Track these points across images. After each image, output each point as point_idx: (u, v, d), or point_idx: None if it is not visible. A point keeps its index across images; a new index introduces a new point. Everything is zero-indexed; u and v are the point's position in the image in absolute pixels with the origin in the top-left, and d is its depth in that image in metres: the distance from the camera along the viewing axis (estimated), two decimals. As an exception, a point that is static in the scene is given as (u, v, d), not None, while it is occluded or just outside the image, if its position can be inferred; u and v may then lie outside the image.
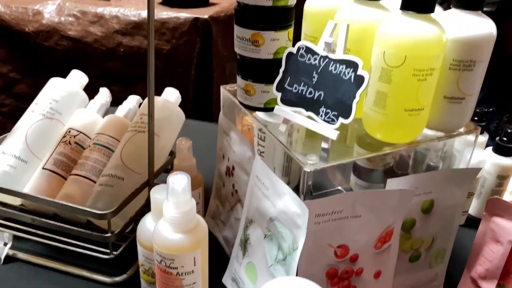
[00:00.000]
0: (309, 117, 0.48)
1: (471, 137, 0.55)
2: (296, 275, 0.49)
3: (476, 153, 0.71)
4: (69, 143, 0.67)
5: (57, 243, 0.60)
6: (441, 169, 0.57)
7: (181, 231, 0.43)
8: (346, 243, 0.49)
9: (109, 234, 0.56)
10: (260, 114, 0.59)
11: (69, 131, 0.68)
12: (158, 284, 0.46)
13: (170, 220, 0.43)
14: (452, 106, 0.49)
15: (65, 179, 0.65)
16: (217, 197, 0.69)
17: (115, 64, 1.40)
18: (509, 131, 0.70)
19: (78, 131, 0.69)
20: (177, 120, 0.70)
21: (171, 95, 0.72)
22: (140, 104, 0.74)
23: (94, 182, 0.63)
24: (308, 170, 0.45)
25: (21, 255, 0.62)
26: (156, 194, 0.49)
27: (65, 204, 0.57)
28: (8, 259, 0.62)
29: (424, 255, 0.57)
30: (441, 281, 0.61)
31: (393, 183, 0.49)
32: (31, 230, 0.62)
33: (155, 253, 0.44)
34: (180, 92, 0.73)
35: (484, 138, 0.77)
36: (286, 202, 0.48)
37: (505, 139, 0.70)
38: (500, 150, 0.71)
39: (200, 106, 1.38)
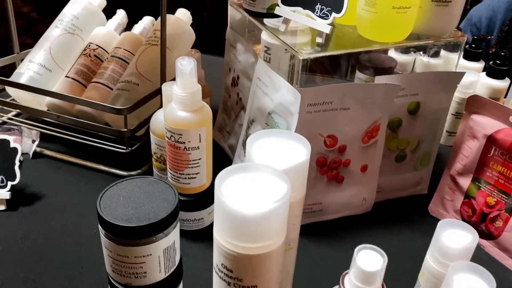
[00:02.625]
0: (307, 15, 0.53)
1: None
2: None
3: (470, 75, 0.75)
4: (89, 55, 0.73)
5: (79, 139, 0.67)
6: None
7: (188, 110, 0.49)
8: (335, 134, 0.54)
9: (125, 129, 0.63)
10: (264, 37, 0.63)
11: (89, 45, 0.74)
12: (168, 160, 0.53)
13: (178, 100, 0.49)
14: (439, 10, 0.53)
15: (85, 87, 0.72)
16: (224, 111, 0.75)
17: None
18: (502, 54, 0.73)
19: (97, 45, 0.74)
20: (188, 38, 0.75)
21: (183, 15, 0.77)
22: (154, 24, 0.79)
23: (111, 89, 0.70)
24: (301, 58, 0.50)
25: (47, 151, 0.69)
26: (167, 86, 0.55)
27: (87, 101, 0.63)
28: (36, 155, 0.69)
29: (410, 157, 0.62)
30: (426, 186, 0.66)
31: (381, 80, 0.53)
32: (56, 129, 0.69)
33: (166, 131, 0.51)
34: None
35: (480, 64, 0.80)
36: (282, 94, 0.53)
37: (498, 62, 0.74)
38: (492, 73, 0.74)
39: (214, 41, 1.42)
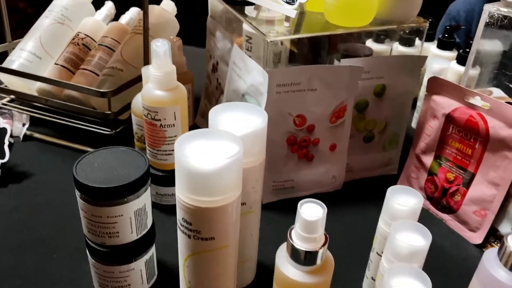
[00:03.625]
0: (275, 1, 0.57)
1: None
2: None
3: (440, 62, 0.79)
4: (78, 44, 0.77)
5: (66, 122, 0.70)
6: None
7: (163, 89, 0.52)
8: (304, 114, 0.58)
9: (109, 112, 0.67)
10: (246, 27, 0.66)
11: (78, 35, 0.78)
12: (146, 138, 0.56)
13: (154, 79, 0.52)
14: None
15: (74, 73, 0.75)
16: (206, 97, 0.79)
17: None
18: (470, 42, 0.76)
19: (85, 34, 0.78)
20: (172, 27, 0.79)
21: (168, 5, 0.81)
22: (141, 15, 0.83)
23: (98, 75, 0.73)
24: (268, 40, 0.53)
25: (36, 134, 0.73)
26: (145, 69, 0.58)
27: (73, 84, 0.67)
28: (26, 138, 0.73)
29: (378, 137, 0.66)
30: (396, 166, 0.69)
31: (346, 63, 0.57)
32: (45, 113, 0.73)
33: (143, 109, 0.54)
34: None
35: (453, 53, 0.84)
36: (253, 76, 0.57)
37: (467, 50, 0.77)
38: (462, 60, 0.78)
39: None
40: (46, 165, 0.68)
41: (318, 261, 0.35)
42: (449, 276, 0.52)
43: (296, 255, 0.35)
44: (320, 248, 0.35)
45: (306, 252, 0.35)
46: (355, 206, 0.64)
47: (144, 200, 0.43)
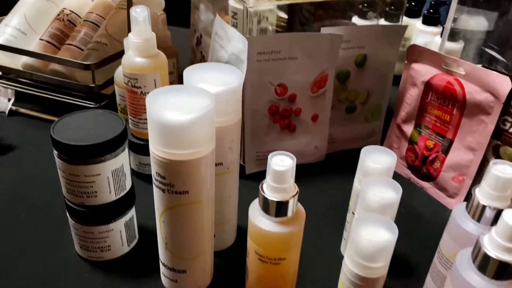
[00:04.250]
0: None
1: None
2: (243, 109, 0.59)
3: (425, 37, 0.79)
4: (63, 20, 0.77)
5: (51, 96, 0.71)
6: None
7: (142, 56, 0.53)
8: (285, 83, 0.58)
9: (94, 85, 0.67)
10: (231, 2, 0.66)
11: (63, 11, 0.78)
12: (128, 107, 0.57)
13: (133, 46, 0.52)
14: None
15: (59, 49, 0.75)
16: (192, 73, 0.79)
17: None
18: (455, 16, 0.77)
19: (71, 11, 0.78)
20: (157, 4, 0.79)
21: (153, -18, 0.81)
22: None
23: (83, 50, 0.74)
24: (248, 7, 0.54)
25: (22, 109, 0.73)
26: (126, 40, 0.58)
27: (57, 57, 0.67)
28: (12, 112, 0.73)
29: (360, 108, 0.66)
30: (379, 138, 0.70)
31: (326, 31, 0.57)
32: (30, 88, 0.73)
33: (124, 77, 0.55)
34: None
35: (438, 29, 0.84)
36: (234, 44, 0.57)
37: (452, 24, 0.77)
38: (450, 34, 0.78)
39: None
40: (31, 139, 0.68)
41: (289, 212, 0.36)
42: (427, 238, 0.53)
43: (267, 206, 0.36)
44: (291, 198, 0.35)
45: (277, 202, 0.35)
46: (337, 177, 0.64)
47: (122, 160, 0.43)
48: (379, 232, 0.34)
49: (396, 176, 0.65)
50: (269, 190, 0.36)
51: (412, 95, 0.60)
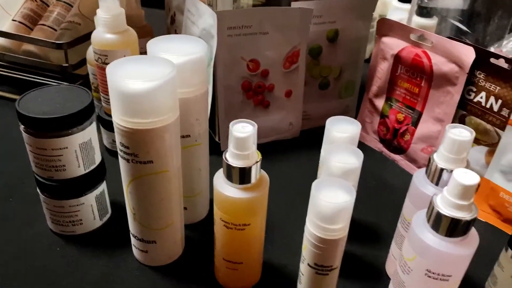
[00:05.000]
0: None
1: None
2: (214, 85, 0.59)
3: (399, 13, 0.80)
4: (35, 0, 0.76)
5: (25, 77, 0.70)
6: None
7: (112, 32, 0.52)
8: (257, 58, 0.59)
9: (67, 64, 0.67)
10: None
11: (35, -9, 0.77)
12: (99, 84, 0.57)
13: (102, 22, 0.52)
14: None
15: (32, 30, 0.74)
16: (168, 52, 0.79)
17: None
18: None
19: (43, -9, 0.77)
20: (131, -18, 0.78)
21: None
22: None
23: (56, 31, 0.73)
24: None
25: (-4, 91, 0.73)
26: (96, 18, 0.58)
27: (30, 37, 0.67)
28: (-14, 95, 0.73)
29: (334, 84, 0.67)
30: (353, 114, 0.71)
31: (296, 5, 0.57)
32: (3, 69, 0.72)
33: (94, 54, 0.54)
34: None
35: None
36: (205, 19, 0.57)
37: (426, 1, 0.78)
38: (421, 12, 0.79)
39: None
40: (5, 120, 0.67)
41: (253, 178, 0.37)
42: (396, 208, 0.54)
43: (231, 173, 0.36)
44: (253, 165, 0.36)
45: (240, 169, 0.36)
46: (311, 152, 0.65)
47: (90, 134, 0.44)
48: (338, 195, 0.35)
49: (369, 150, 0.66)
50: (232, 157, 0.36)
51: (383, 69, 0.60)
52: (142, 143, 0.37)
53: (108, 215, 0.50)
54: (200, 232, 0.50)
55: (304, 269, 0.39)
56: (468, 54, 0.50)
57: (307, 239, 0.37)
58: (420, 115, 0.57)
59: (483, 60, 0.50)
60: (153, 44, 0.41)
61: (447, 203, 0.32)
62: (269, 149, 0.65)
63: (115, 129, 0.37)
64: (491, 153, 0.51)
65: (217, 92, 0.59)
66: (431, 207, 0.33)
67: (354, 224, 0.52)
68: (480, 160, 0.53)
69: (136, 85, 0.34)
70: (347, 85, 0.68)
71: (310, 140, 0.67)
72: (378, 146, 0.65)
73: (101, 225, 0.49)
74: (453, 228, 0.32)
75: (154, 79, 0.34)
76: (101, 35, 0.53)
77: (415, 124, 0.58)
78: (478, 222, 0.53)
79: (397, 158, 0.62)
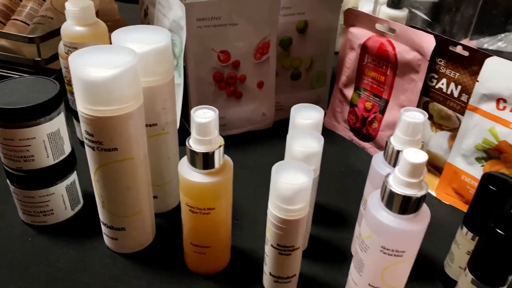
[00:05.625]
0: None
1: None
2: (186, 77, 0.60)
3: (369, 4, 0.81)
4: (7, -5, 0.76)
5: (-2, 72, 0.70)
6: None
7: (81, 24, 0.53)
8: (227, 49, 0.60)
9: (39, 58, 0.67)
10: None
11: (7, -14, 0.77)
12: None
13: (71, 15, 0.53)
14: None
15: (5, 25, 0.74)
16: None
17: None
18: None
19: (15, -14, 0.77)
20: (105, -24, 0.79)
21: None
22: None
23: (29, 25, 0.73)
24: (183, -27, 0.54)
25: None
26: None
27: (2, 32, 0.67)
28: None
29: (305, 75, 0.68)
30: (325, 104, 0.72)
31: (265, -3, 0.59)
32: (-24, 65, 0.72)
33: (64, 47, 0.55)
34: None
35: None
36: (174, 11, 0.58)
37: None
38: (391, 3, 0.80)
39: None
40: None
41: (216, 163, 0.38)
42: (362, 191, 0.56)
43: (194, 159, 0.37)
44: (216, 149, 0.37)
45: (203, 154, 0.37)
46: (284, 142, 0.66)
47: (58, 124, 0.44)
48: (296, 176, 0.36)
49: (340, 139, 0.68)
50: (195, 143, 0.37)
51: (351, 58, 0.62)
52: (105, 131, 0.38)
53: (80, 205, 0.50)
54: (171, 220, 0.51)
55: (268, 250, 0.40)
56: (428, 42, 0.51)
57: (269, 220, 0.38)
58: (386, 103, 0.59)
59: (443, 47, 0.51)
60: (117, 35, 0.42)
61: (398, 182, 0.33)
62: (242, 140, 0.67)
63: (80, 117, 0.38)
64: (453, 137, 0.53)
65: (189, 83, 0.60)
66: (384, 186, 0.34)
67: (323, 208, 0.54)
68: (444, 145, 0.55)
69: (97, 73, 0.35)
70: (318, 75, 0.69)
71: (283, 130, 0.67)
72: (348, 134, 0.66)
73: (73, 215, 0.49)
74: (405, 205, 0.33)
75: (115, 67, 0.35)
76: (70, 28, 0.53)
77: (382, 112, 0.60)
78: (442, 205, 0.55)
79: (367, 145, 0.63)
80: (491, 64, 0.47)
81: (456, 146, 0.52)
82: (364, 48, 0.59)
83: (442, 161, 0.55)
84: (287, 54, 0.65)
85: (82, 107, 0.37)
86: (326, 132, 0.69)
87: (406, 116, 0.38)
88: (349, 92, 0.64)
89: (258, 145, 0.65)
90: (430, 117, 0.55)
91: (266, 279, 0.42)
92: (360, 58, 0.60)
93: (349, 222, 0.51)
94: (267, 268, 0.41)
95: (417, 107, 0.55)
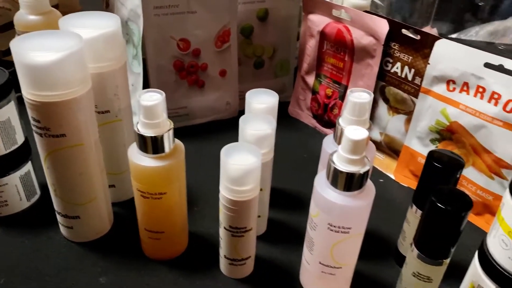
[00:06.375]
0: None
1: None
2: (146, 65, 0.59)
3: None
4: (-36, -13, 0.74)
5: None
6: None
7: (34, 13, 0.52)
8: (187, 37, 0.59)
9: (-4, 51, 0.65)
10: None
11: (-36, -23, 0.75)
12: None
13: (24, 4, 0.52)
14: None
15: (-38, 17, 0.73)
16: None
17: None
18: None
19: (-28, -23, 0.75)
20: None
21: None
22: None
23: (-13, 17, 0.71)
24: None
25: None
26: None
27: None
28: None
29: (268, 64, 0.69)
30: (290, 93, 0.73)
31: (223, -15, 0.59)
32: None
33: (18, 36, 0.54)
34: None
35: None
36: (131, 0, 0.57)
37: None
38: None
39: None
40: None
41: (166, 147, 0.38)
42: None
43: (143, 143, 0.37)
44: (165, 133, 0.37)
45: (152, 138, 0.37)
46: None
47: (7, 113, 0.43)
48: (245, 158, 0.36)
49: (304, 126, 0.68)
50: (143, 126, 0.37)
51: (311, 46, 0.62)
52: (52, 116, 0.37)
53: (37, 196, 0.50)
54: (129, 209, 0.50)
55: (222, 233, 0.40)
56: (382, 26, 0.52)
57: (221, 203, 0.38)
58: (346, 89, 0.60)
59: (396, 32, 0.52)
60: (65, 20, 0.41)
61: (342, 160, 0.34)
62: (207, 129, 0.67)
63: (26, 104, 0.37)
64: (409, 121, 0.54)
65: (149, 72, 0.60)
66: (329, 165, 0.35)
67: (282, 193, 0.54)
68: (401, 129, 0.56)
69: (40, 57, 0.35)
70: (282, 64, 0.70)
71: (248, 119, 0.69)
72: (312, 122, 0.67)
73: (29, 206, 0.49)
74: (349, 182, 0.34)
75: (58, 50, 0.35)
76: (24, 17, 0.52)
77: (342, 98, 0.60)
78: (401, 187, 0.56)
79: (329, 132, 0.64)
80: (440, 47, 0.48)
81: (411, 128, 0.53)
82: (322, 35, 0.60)
83: (400, 144, 0.56)
84: (249, 42, 0.66)
85: (26, 92, 0.36)
86: (291, 120, 0.70)
87: (353, 97, 0.39)
88: (311, 80, 0.65)
89: (223, 134, 0.65)
90: (387, 101, 0.56)
91: (222, 263, 0.42)
92: (319, 45, 0.61)
93: (308, 205, 0.52)
94: (222, 251, 0.41)
95: (374, 91, 0.56)
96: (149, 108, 0.36)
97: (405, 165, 0.55)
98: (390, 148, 0.58)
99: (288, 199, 0.53)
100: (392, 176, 0.57)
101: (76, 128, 0.38)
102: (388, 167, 0.58)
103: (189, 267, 0.44)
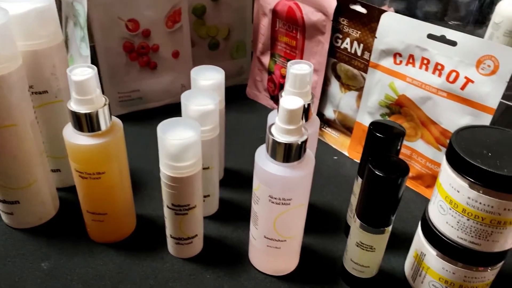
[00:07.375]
0: None
1: None
2: (95, 52, 0.58)
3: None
4: None
5: None
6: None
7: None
8: (136, 18, 0.58)
9: None
10: None
11: None
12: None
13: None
14: None
15: None
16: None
17: None
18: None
19: None
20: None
21: None
22: None
23: None
24: None
25: None
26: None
27: None
28: None
29: (224, 45, 0.68)
30: (248, 76, 0.72)
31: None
32: None
33: None
34: None
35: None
36: (75, -21, 0.55)
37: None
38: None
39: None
40: None
41: (102, 124, 0.36)
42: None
43: (76, 120, 0.36)
44: (100, 109, 0.36)
45: (85, 114, 0.35)
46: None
47: None
48: (184, 133, 0.35)
49: (262, 107, 0.68)
50: (75, 103, 0.36)
51: (264, 25, 0.62)
52: (-20, 96, 0.35)
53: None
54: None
55: (166, 211, 0.39)
56: (330, 1, 0.52)
57: (162, 182, 0.38)
58: (299, 67, 0.59)
59: (344, 7, 0.52)
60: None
61: (279, 130, 0.33)
62: (163, 112, 0.65)
63: (-50, 83, 0.35)
64: (360, 97, 0.54)
65: (98, 55, 0.58)
66: (267, 136, 0.34)
67: (236, 173, 0.54)
68: (353, 105, 0.56)
69: (-42, 31, 0.33)
70: (238, 45, 0.69)
71: (205, 101, 0.68)
72: (269, 103, 0.66)
73: (-31, 195, 0.47)
74: (287, 153, 0.34)
75: (-19, 23, 0.33)
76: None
77: (297, 76, 0.60)
78: (354, 163, 0.56)
79: (286, 112, 0.64)
80: (386, 20, 0.48)
81: (362, 104, 0.53)
82: (274, 13, 0.59)
83: (352, 121, 0.56)
84: (202, 23, 0.64)
85: (-52, 70, 0.34)
86: (249, 102, 0.69)
87: (293, 69, 0.38)
88: (266, 60, 0.64)
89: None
90: (339, 78, 0.56)
91: (169, 243, 0.42)
92: (272, 24, 0.60)
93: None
94: (167, 230, 0.41)
95: (326, 69, 0.56)
96: (81, 83, 0.35)
97: (358, 141, 0.56)
98: (343, 125, 0.58)
99: (241, 179, 0.53)
100: (346, 153, 0.57)
101: (7, 108, 0.37)
102: (343, 144, 0.58)
103: (136, 249, 0.43)
